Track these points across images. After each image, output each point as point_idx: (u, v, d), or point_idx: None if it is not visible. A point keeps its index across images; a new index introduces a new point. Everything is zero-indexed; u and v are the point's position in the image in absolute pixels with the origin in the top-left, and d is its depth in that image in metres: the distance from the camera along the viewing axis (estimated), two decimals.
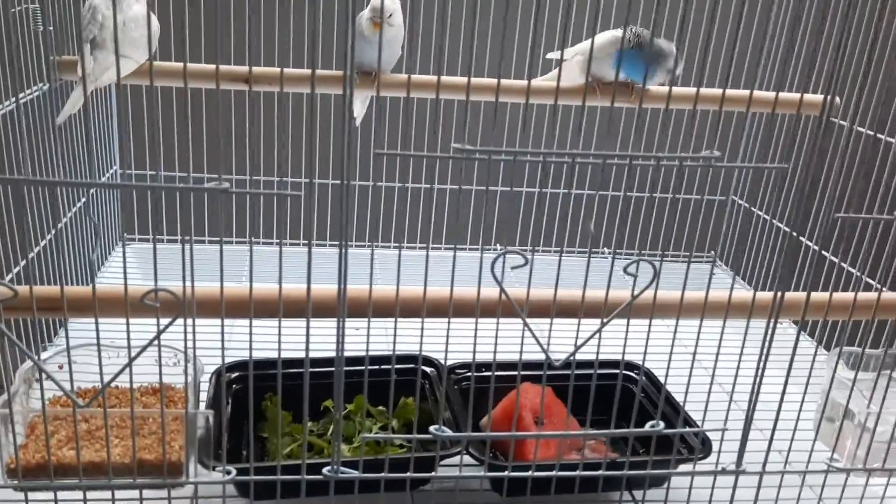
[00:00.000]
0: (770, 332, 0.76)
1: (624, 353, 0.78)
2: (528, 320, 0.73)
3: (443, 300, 0.79)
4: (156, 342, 0.67)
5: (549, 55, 1.33)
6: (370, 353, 0.80)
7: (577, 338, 0.74)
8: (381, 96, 1.29)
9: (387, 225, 1.48)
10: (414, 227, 1.51)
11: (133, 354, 0.69)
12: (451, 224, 1.52)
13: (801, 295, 0.81)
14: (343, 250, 0.67)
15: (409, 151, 0.65)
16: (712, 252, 1.63)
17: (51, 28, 1.08)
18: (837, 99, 1.28)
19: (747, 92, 1.19)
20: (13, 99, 1.03)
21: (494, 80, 1.19)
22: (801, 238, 1.38)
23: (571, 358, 0.73)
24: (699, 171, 1.51)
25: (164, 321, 0.68)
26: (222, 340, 0.71)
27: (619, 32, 1.21)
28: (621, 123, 1.57)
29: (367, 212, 1.49)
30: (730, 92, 0.77)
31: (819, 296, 0.86)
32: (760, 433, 0.88)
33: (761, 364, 0.77)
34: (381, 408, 0.98)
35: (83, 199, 1.27)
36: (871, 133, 0.88)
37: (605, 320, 0.73)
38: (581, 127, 1.53)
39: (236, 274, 0.78)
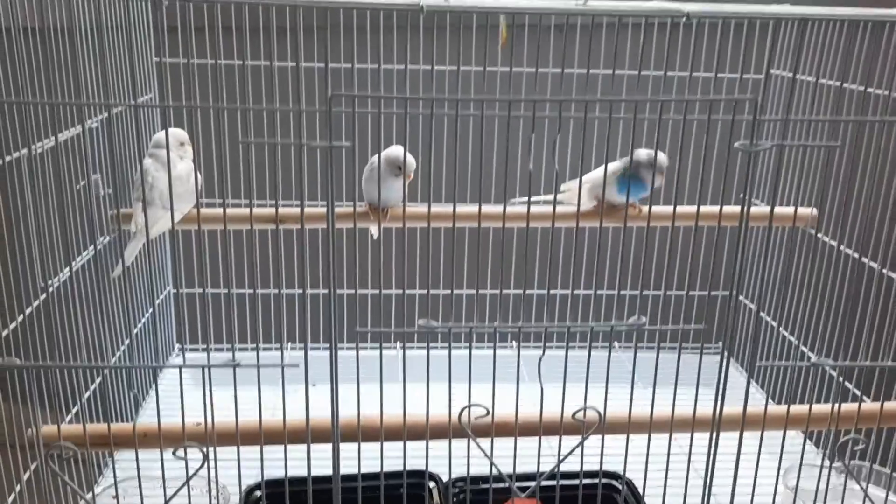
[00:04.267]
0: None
1: (602, 465, 0.91)
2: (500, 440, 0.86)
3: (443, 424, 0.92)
4: (189, 480, 0.83)
5: (563, 186, 1.47)
6: (382, 469, 0.94)
7: (552, 446, 0.86)
8: (391, 228, 1.45)
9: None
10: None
11: (169, 492, 0.85)
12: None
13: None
14: (334, 386, 0.82)
15: (383, 328, 0.80)
16: (720, 344, 1.73)
17: (110, 191, 1.28)
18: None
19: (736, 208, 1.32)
20: (90, 247, 1.22)
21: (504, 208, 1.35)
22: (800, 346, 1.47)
23: (536, 484, 0.86)
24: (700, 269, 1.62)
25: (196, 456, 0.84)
26: (239, 469, 0.87)
27: (617, 164, 1.34)
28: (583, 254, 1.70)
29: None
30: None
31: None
32: None
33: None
34: None
35: (145, 317, 1.46)
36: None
37: (560, 458, 0.85)
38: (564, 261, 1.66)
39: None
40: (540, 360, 0.77)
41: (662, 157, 1.30)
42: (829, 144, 0.76)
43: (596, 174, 1.37)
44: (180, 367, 0.81)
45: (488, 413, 0.81)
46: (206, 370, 0.79)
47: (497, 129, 1.62)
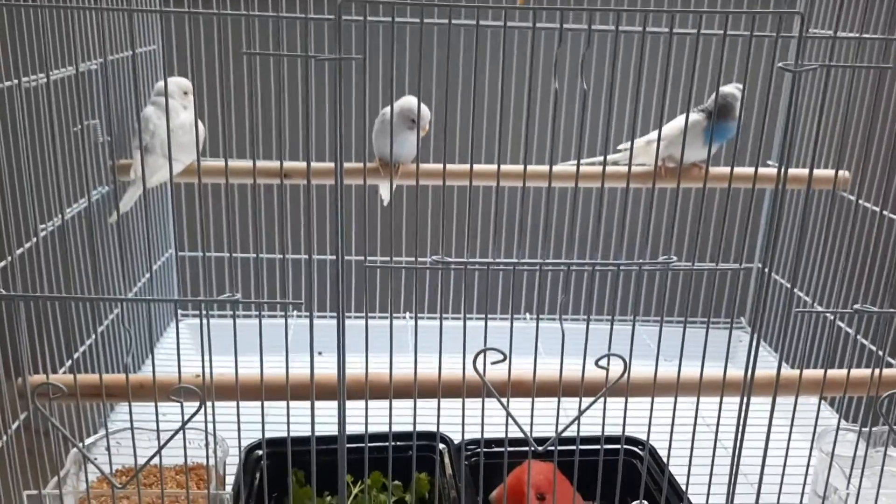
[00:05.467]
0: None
1: (624, 431, 0.84)
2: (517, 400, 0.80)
3: (456, 381, 0.86)
4: (185, 426, 0.78)
5: (619, 146, 1.40)
6: (392, 430, 0.88)
7: (568, 413, 0.80)
8: (405, 185, 1.39)
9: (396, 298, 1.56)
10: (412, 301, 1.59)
11: (162, 441, 0.80)
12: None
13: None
14: (341, 329, 0.76)
15: (395, 264, 0.74)
16: (741, 319, 1.66)
17: (109, 138, 1.22)
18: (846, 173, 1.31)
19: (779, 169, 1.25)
20: (83, 199, 1.16)
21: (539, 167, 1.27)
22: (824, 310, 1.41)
23: (553, 445, 0.80)
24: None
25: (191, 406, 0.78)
26: (238, 422, 0.81)
27: (696, 116, 1.28)
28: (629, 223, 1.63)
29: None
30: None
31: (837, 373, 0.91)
32: None
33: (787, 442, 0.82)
34: (396, 482, 1.05)
35: (141, 282, 1.40)
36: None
37: (581, 409, 0.79)
38: (600, 231, 1.60)
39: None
40: (559, 297, 0.71)
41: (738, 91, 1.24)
42: (880, 66, 0.70)
43: (667, 129, 1.31)
44: (176, 304, 0.75)
45: (505, 358, 0.75)
46: (205, 309, 0.73)
47: (521, 52, 1.51)
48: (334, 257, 0.71)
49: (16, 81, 0.91)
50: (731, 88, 1.25)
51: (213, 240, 1.53)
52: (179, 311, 1.64)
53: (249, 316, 1.47)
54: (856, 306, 0.77)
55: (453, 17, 0.66)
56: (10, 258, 0.82)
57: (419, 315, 0.79)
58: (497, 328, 0.77)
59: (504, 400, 0.80)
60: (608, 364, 0.76)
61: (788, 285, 1.51)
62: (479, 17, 0.66)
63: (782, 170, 0.72)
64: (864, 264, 1.21)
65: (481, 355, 0.75)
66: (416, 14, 0.67)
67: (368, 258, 0.78)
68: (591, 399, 0.79)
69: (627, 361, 0.77)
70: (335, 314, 0.75)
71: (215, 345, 0.77)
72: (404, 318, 1.60)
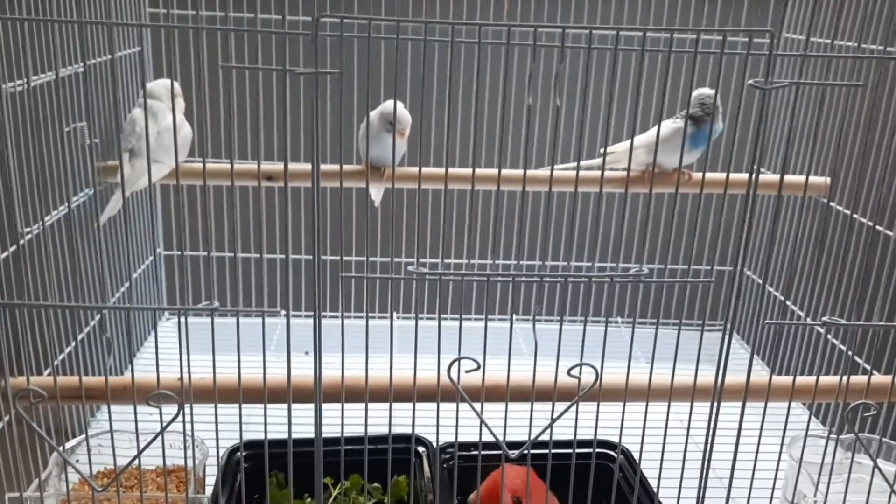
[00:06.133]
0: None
1: (595, 436, 0.86)
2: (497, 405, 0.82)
3: (432, 385, 0.88)
4: (163, 431, 0.79)
5: (601, 150, 1.41)
6: (368, 433, 0.90)
7: (544, 416, 0.81)
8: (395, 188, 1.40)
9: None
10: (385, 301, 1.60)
11: (142, 443, 0.81)
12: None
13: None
14: (317, 334, 0.77)
15: (371, 274, 0.75)
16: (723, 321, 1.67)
17: (97, 140, 1.23)
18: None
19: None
20: (65, 204, 1.17)
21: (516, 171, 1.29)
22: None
23: (526, 450, 0.81)
24: (707, 243, 1.57)
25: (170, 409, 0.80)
26: (216, 425, 0.82)
27: (677, 123, 1.29)
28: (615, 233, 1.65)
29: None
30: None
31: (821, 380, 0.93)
32: None
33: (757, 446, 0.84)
34: (375, 484, 1.07)
35: (125, 285, 1.41)
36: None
37: (553, 418, 0.81)
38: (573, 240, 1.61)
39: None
40: (533, 306, 0.72)
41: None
42: (851, 84, 0.71)
43: (649, 135, 1.32)
44: (155, 311, 0.76)
45: (479, 367, 0.77)
46: (184, 317, 0.75)
47: (494, 65, 1.53)
48: (311, 257, 0.72)
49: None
50: (710, 90, 1.27)
51: (200, 239, 1.54)
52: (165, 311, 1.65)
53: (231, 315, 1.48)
54: (824, 318, 0.79)
55: (429, 33, 0.67)
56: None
57: (396, 315, 0.80)
58: (472, 329, 0.79)
59: (478, 407, 0.81)
60: (580, 373, 0.78)
61: (780, 297, 1.53)
62: (454, 34, 0.67)
63: (752, 178, 0.74)
64: (842, 272, 1.23)
65: (456, 363, 0.77)
66: (391, 31, 0.68)
67: (346, 258, 0.80)
68: (564, 407, 0.81)
69: (599, 370, 0.78)
70: (312, 314, 0.76)
71: (199, 343, 0.78)
72: (384, 318, 1.62)
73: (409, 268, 0.74)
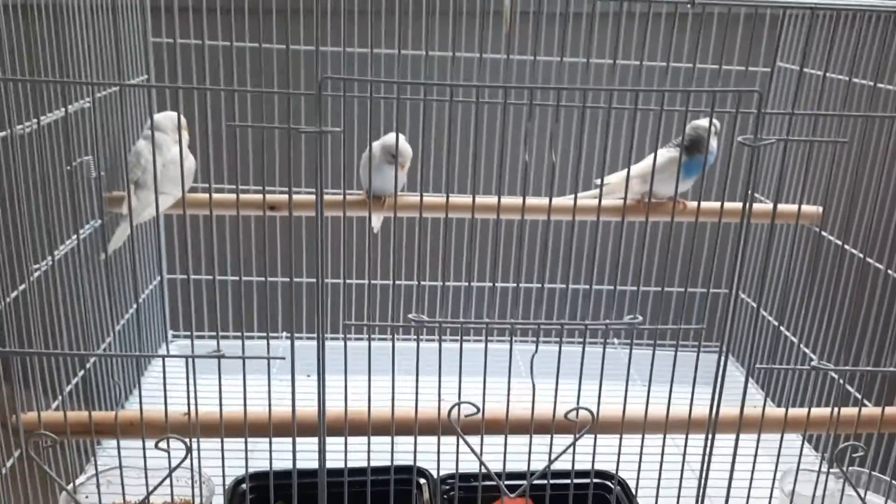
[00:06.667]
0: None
1: (593, 465, 0.89)
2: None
3: (433, 419, 0.90)
4: (171, 473, 0.82)
5: (596, 180, 1.44)
6: (370, 464, 0.92)
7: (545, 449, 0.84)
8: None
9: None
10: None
11: (151, 482, 0.84)
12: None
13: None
14: (321, 378, 0.80)
15: (370, 321, 0.78)
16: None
17: (103, 173, 1.25)
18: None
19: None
20: (74, 236, 1.20)
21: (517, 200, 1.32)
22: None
23: (526, 484, 0.84)
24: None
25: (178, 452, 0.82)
26: (223, 461, 0.85)
27: (671, 153, 1.31)
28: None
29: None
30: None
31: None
32: None
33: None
34: None
35: (131, 310, 1.44)
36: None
37: (551, 459, 0.83)
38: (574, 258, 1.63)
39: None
40: (532, 357, 0.75)
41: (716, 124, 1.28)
42: (836, 140, 0.74)
43: (644, 165, 1.34)
44: (163, 358, 0.78)
45: (478, 411, 0.79)
46: (191, 360, 0.77)
47: (491, 116, 1.58)
48: (315, 280, 0.74)
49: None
50: (704, 121, 1.29)
51: (203, 265, 1.56)
52: (171, 332, 1.68)
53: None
54: (812, 363, 0.81)
55: (428, 94, 0.70)
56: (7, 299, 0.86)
57: (397, 337, 0.82)
58: (473, 349, 0.82)
59: (477, 440, 0.84)
60: (577, 416, 0.80)
61: (774, 322, 1.55)
62: (452, 94, 0.69)
63: (743, 222, 0.76)
64: (833, 301, 1.25)
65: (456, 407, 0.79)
66: (391, 90, 0.71)
67: (348, 319, 0.83)
68: (563, 439, 0.83)
69: (595, 413, 0.81)
70: (315, 335, 0.78)
71: (205, 365, 0.80)
72: (384, 339, 1.64)
73: (411, 315, 0.77)
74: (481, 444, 0.85)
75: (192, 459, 0.82)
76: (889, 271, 1.15)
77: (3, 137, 0.95)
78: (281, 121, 0.75)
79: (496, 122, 1.54)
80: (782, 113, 0.75)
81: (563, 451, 0.82)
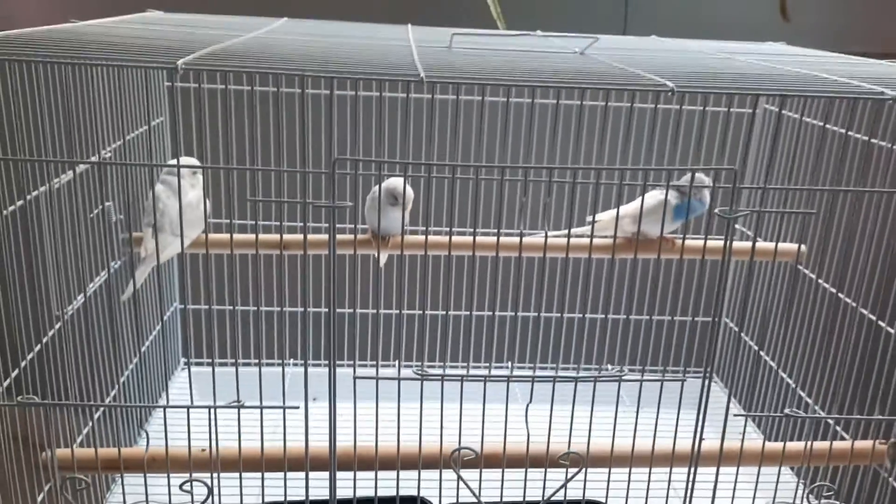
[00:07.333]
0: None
1: (584, 495, 0.96)
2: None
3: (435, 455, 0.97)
4: None
5: (588, 218, 1.50)
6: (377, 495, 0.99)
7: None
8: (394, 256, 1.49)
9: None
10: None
11: None
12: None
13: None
14: (333, 416, 0.87)
15: (383, 376, 0.85)
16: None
17: (121, 216, 1.32)
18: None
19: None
20: (102, 273, 1.27)
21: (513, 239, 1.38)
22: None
23: None
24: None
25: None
26: (241, 496, 0.92)
27: (661, 196, 1.38)
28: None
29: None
30: None
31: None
32: None
33: None
34: None
35: (149, 338, 1.51)
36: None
37: (544, 501, 0.90)
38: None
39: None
40: (527, 407, 0.82)
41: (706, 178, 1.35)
42: (805, 212, 0.81)
43: (635, 206, 1.41)
44: (188, 408, 0.85)
45: (477, 456, 0.86)
46: (213, 411, 0.84)
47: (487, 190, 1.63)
48: (327, 310, 0.81)
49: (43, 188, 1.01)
50: (701, 175, 1.35)
51: (213, 297, 1.63)
52: (184, 359, 1.75)
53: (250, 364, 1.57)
54: (786, 410, 0.88)
55: (434, 172, 0.77)
56: (25, 361, 0.93)
57: (404, 364, 0.89)
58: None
59: (475, 483, 0.91)
60: (568, 460, 0.87)
61: (755, 346, 1.62)
62: (456, 172, 0.76)
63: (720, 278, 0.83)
64: (808, 331, 1.32)
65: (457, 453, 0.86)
66: (402, 169, 0.78)
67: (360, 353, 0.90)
68: (554, 490, 0.90)
69: (585, 456, 0.88)
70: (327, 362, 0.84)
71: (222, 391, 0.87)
72: (392, 366, 1.72)
73: (415, 368, 0.84)
74: (479, 481, 0.92)
75: (212, 500, 0.89)
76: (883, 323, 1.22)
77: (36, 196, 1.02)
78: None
79: (492, 195, 1.61)
80: (755, 187, 0.82)
81: (556, 492, 0.89)
